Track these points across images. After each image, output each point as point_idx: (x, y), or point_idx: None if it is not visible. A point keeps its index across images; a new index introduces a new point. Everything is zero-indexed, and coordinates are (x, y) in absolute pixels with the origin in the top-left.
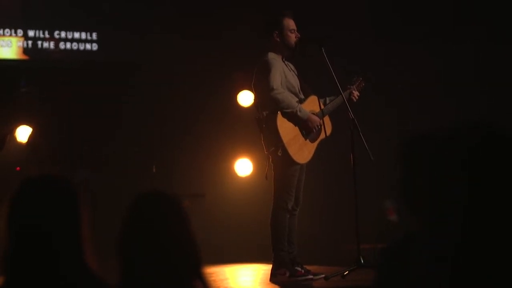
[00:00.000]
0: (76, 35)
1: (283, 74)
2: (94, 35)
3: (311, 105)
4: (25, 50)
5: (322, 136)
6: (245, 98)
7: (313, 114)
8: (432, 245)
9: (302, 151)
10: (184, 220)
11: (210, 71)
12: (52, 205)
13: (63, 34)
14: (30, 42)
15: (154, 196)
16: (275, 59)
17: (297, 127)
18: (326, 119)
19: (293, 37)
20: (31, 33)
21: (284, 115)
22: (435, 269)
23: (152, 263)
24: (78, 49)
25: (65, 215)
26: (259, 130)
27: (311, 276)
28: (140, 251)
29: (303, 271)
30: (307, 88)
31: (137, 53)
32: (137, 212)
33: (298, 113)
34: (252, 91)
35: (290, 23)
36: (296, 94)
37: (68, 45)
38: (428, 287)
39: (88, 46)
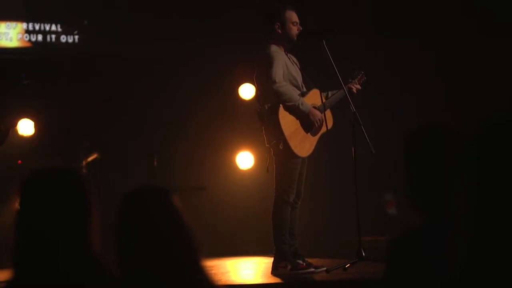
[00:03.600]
0: (77, 28)
1: (285, 66)
2: (95, 28)
3: (313, 98)
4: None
5: (324, 129)
6: (247, 91)
7: (315, 107)
8: (442, 240)
9: (303, 144)
10: (175, 213)
11: (212, 64)
12: (62, 199)
13: (64, 27)
14: (31, 35)
15: (142, 192)
16: (277, 51)
17: (298, 121)
18: (328, 113)
19: (295, 30)
20: (31, 26)
21: (286, 108)
22: (446, 263)
23: (148, 258)
24: (79, 42)
25: (75, 208)
26: (260, 123)
27: (312, 269)
28: (134, 247)
29: (304, 264)
30: (309, 81)
31: (138, 47)
32: (126, 209)
33: (300, 106)
34: (254, 84)
35: (293, 16)
36: (298, 87)
37: (70, 38)
38: (438, 281)
39: (88, 38)
